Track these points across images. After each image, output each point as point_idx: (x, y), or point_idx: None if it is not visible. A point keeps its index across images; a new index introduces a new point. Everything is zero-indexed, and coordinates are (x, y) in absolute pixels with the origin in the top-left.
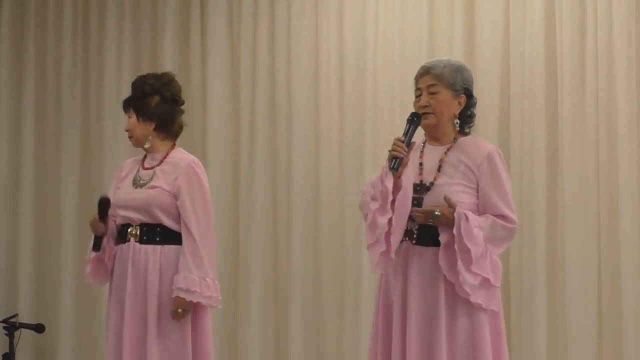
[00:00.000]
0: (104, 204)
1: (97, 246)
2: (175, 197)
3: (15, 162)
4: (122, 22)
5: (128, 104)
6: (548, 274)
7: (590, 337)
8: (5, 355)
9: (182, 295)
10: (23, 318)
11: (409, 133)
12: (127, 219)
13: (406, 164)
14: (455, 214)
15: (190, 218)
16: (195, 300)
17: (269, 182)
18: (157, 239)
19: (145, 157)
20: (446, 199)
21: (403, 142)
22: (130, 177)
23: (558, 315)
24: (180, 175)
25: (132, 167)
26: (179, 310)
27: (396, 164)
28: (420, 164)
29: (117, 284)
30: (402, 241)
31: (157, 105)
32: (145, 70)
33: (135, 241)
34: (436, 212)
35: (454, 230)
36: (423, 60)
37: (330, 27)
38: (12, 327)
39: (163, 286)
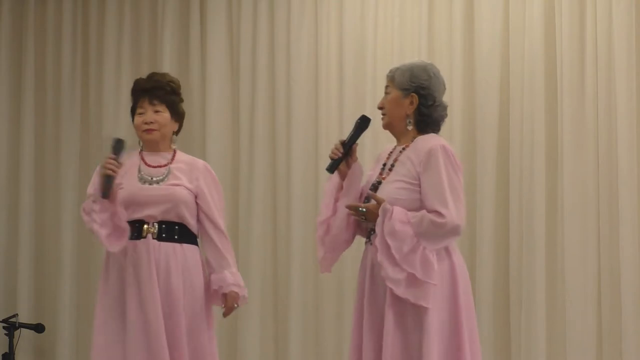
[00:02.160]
0: (122, 144)
1: (106, 189)
2: (197, 196)
3: (14, 162)
4: (122, 22)
5: (160, 98)
6: (548, 274)
7: (590, 338)
8: (5, 355)
9: (238, 290)
10: (23, 318)
11: (352, 135)
12: (145, 215)
13: (350, 164)
14: (379, 210)
15: (217, 216)
16: (244, 295)
17: (269, 182)
18: (175, 237)
19: (141, 155)
20: (371, 195)
21: (344, 143)
22: (133, 175)
23: (558, 316)
24: (200, 176)
25: (127, 166)
26: (236, 305)
27: (330, 165)
28: (384, 164)
29: (131, 279)
30: (366, 242)
31: (181, 107)
32: (145, 70)
33: (153, 238)
34: (360, 208)
35: (376, 226)
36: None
37: (329, 27)
38: (12, 327)
39: (186, 286)
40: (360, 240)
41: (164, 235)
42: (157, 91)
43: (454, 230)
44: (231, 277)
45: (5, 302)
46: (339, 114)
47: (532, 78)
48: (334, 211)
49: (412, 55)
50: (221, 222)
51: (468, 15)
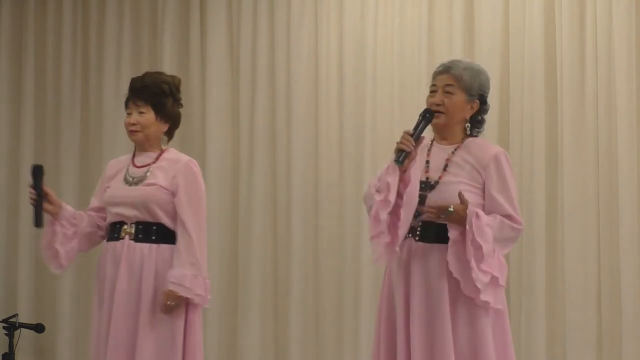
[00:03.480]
0: (37, 171)
1: (36, 219)
2: (173, 194)
3: (14, 162)
4: (122, 22)
5: (145, 99)
6: (548, 274)
7: (590, 338)
8: (5, 355)
9: (174, 288)
10: (23, 318)
11: (419, 128)
12: (122, 216)
13: (413, 158)
14: (467, 211)
15: (187, 215)
16: (186, 296)
17: (269, 182)
18: (153, 237)
19: (134, 155)
20: (460, 195)
21: (412, 135)
22: (121, 176)
23: (558, 316)
24: (178, 173)
25: (120, 166)
26: (169, 302)
27: (402, 157)
28: (427, 161)
29: (108, 280)
30: (405, 238)
31: (173, 107)
32: (144, 70)
33: (130, 239)
34: (450, 209)
35: (467, 227)
36: (422, 60)
37: (329, 27)
38: (12, 327)
39: (158, 285)
40: (358, 241)
41: (140, 236)
42: (142, 92)
43: (519, 237)
44: (176, 275)
45: (5, 302)
46: (339, 114)
47: (532, 78)
48: (398, 205)
49: (412, 55)
50: (190, 222)
51: (468, 15)
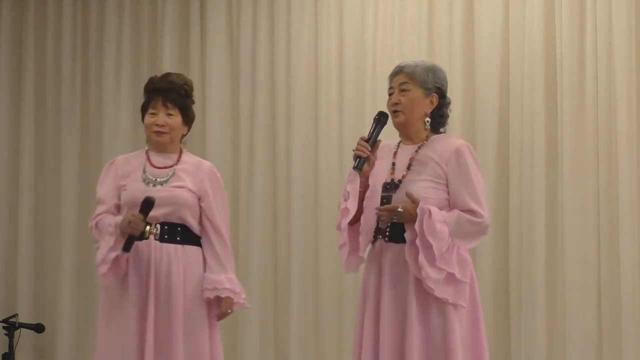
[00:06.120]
0: (151, 204)
1: (128, 245)
2: (200, 198)
3: (14, 162)
4: (122, 22)
5: (174, 101)
6: (548, 274)
7: (590, 338)
8: (5, 355)
9: (232, 295)
10: (23, 318)
11: (374, 132)
12: (147, 217)
13: (373, 163)
14: (417, 210)
15: (219, 220)
16: (240, 302)
17: (269, 182)
18: (178, 238)
19: (148, 155)
20: (408, 195)
21: (367, 141)
22: (137, 175)
23: (558, 316)
24: (205, 177)
25: (133, 165)
26: (228, 311)
27: (359, 163)
28: (393, 163)
29: (134, 281)
30: (376, 239)
31: (192, 110)
32: (145, 70)
33: (155, 239)
34: (399, 209)
35: (416, 226)
36: None
37: (329, 27)
38: (11, 327)
39: (187, 287)
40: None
41: (166, 236)
42: (171, 93)
43: (486, 230)
44: (228, 282)
45: (5, 302)
46: (339, 114)
47: (532, 78)
48: (361, 211)
49: (412, 55)
50: (223, 227)
51: (468, 15)
